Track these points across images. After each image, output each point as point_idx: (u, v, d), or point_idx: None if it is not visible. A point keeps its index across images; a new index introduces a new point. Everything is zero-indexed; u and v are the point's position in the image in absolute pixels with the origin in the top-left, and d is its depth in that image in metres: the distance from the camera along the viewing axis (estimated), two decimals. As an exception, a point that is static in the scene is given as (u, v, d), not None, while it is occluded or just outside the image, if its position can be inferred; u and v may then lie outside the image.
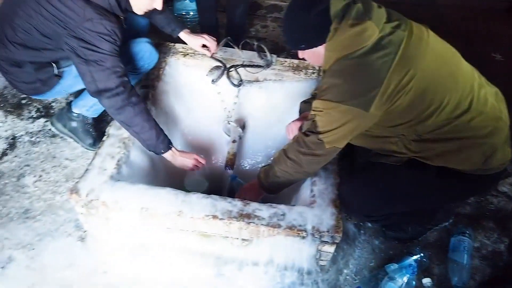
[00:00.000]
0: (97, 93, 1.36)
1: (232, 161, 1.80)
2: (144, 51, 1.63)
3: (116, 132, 1.55)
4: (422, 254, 1.54)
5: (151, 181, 1.59)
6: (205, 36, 1.77)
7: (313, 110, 1.26)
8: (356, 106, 1.16)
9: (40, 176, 1.78)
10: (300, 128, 1.38)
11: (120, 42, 1.36)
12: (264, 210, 1.35)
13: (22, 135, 1.94)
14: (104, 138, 1.54)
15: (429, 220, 1.62)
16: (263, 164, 2.00)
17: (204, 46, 1.80)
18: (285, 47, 2.73)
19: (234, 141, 1.85)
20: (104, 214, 1.37)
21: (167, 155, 1.53)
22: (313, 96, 1.63)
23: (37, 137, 1.94)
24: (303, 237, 1.31)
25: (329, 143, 1.25)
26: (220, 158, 2.01)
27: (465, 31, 2.91)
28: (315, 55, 1.29)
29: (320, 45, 1.24)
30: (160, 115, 1.76)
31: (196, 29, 2.39)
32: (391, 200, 1.36)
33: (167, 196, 1.36)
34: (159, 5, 1.43)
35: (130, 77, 1.45)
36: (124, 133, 1.52)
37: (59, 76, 1.55)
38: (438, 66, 1.22)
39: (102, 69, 1.32)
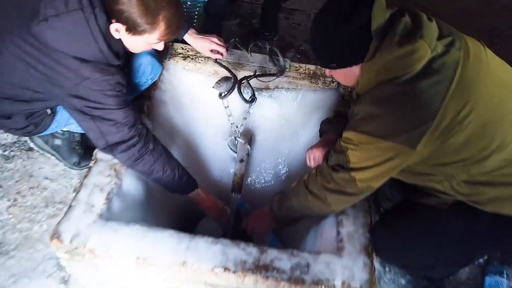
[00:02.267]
0: (109, 149, 1.19)
1: (240, 184, 1.60)
2: (146, 64, 1.42)
3: (105, 156, 1.32)
4: (456, 299, 1.38)
5: (148, 213, 1.40)
6: (214, 39, 1.53)
7: (344, 142, 1.07)
8: (400, 143, 0.98)
9: (15, 200, 1.56)
10: (326, 158, 1.18)
11: (126, 89, 1.18)
12: (284, 260, 1.15)
13: (-7, 149, 1.69)
14: (91, 164, 1.31)
15: (468, 262, 1.45)
16: (271, 182, 1.83)
17: (213, 50, 1.56)
18: (293, 43, 2.50)
19: (241, 160, 1.63)
20: (91, 261, 1.16)
21: (193, 196, 1.42)
22: (336, 115, 1.43)
23: (11, 151, 1.70)
24: (332, 293, 1.12)
25: (362, 182, 1.07)
26: (224, 176, 1.80)
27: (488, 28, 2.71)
28: (347, 76, 1.11)
29: (355, 64, 1.05)
30: (156, 128, 1.54)
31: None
32: (436, 249, 1.18)
33: (169, 241, 1.16)
34: (160, 48, 1.21)
35: (129, 94, 1.27)
36: (115, 157, 1.30)
37: (53, 114, 1.36)
38: (501, 95, 1.04)
39: (111, 124, 1.14)
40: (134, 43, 1.15)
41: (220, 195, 1.63)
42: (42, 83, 1.11)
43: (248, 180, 1.82)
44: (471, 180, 1.08)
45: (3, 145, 1.70)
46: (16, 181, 1.61)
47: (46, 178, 1.63)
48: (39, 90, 1.16)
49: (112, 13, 1.06)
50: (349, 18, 0.98)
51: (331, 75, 1.17)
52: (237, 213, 1.58)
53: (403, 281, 1.50)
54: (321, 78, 1.70)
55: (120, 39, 1.12)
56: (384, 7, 0.98)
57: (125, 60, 1.23)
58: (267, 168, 1.82)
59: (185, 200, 1.47)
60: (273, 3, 2.38)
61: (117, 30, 1.08)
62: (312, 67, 1.73)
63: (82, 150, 1.62)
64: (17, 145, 1.71)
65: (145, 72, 1.42)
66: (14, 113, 1.30)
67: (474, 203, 1.10)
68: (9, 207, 1.53)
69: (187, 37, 1.57)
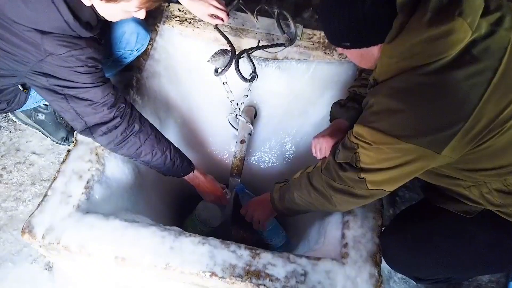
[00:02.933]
0: (88, 131, 1.05)
1: (239, 167, 1.46)
2: (130, 33, 1.24)
3: (86, 138, 1.19)
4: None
5: (138, 198, 1.30)
6: (213, 1, 1.31)
7: (355, 138, 0.89)
8: (423, 146, 0.80)
9: (0, 176, 1.46)
10: (334, 152, 1.01)
11: (101, 63, 1.02)
12: (279, 266, 1.03)
13: (-22, 120, 1.59)
14: (70, 147, 1.18)
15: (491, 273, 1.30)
16: (276, 163, 1.68)
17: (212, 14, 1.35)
18: (311, 1, 2.22)
19: (242, 141, 1.48)
20: (68, 257, 1.07)
21: (189, 180, 1.31)
22: (350, 97, 1.23)
23: (-2, 122, 1.59)
24: (330, 306, 1.00)
25: (374, 184, 0.91)
26: (225, 156, 1.66)
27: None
28: (364, 57, 0.92)
29: (374, 45, 0.86)
30: (147, 104, 1.39)
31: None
32: (457, 264, 1.02)
33: (151, 240, 1.05)
34: (141, 15, 1.01)
35: (111, 67, 1.14)
36: (97, 139, 1.17)
37: (26, 90, 1.22)
38: None
39: (87, 104, 1.00)
40: (110, 12, 0.98)
41: (220, 177, 1.49)
42: (2, 60, 0.97)
43: (251, 160, 1.67)
44: (506, 190, 0.90)
45: (-10, 115, 1.59)
46: (2, 155, 1.51)
47: (34, 153, 1.53)
48: (4, 68, 1.01)
49: None
50: None
51: (340, 52, 0.99)
52: (236, 197, 1.45)
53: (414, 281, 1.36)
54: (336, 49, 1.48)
55: (91, 6, 0.94)
56: None
57: (102, 29, 1.06)
58: (272, 147, 1.66)
59: (181, 181, 1.35)
60: None
61: None
62: (327, 35, 1.51)
63: (69, 125, 1.49)
64: (3, 115, 1.59)
65: (129, 42, 1.25)
66: None
67: (505, 215, 0.93)
68: (-6, 184, 1.45)
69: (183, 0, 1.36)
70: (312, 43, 1.50)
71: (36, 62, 0.93)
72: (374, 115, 0.86)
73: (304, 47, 1.50)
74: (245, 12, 1.50)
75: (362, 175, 0.90)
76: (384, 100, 0.84)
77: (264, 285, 1.00)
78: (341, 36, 0.89)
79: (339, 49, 0.95)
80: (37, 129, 1.49)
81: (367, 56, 0.90)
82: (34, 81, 0.99)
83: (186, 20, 1.51)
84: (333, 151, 1.03)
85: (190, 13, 1.49)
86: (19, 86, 1.18)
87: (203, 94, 1.60)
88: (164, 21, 1.50)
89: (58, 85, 0.97)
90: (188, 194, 1.52)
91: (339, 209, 1.06)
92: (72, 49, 0.93)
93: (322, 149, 1.15)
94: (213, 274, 1.01)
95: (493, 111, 0.78)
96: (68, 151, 1.17)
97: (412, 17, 0.77)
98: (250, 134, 1.53)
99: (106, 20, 1.03)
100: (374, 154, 0.87)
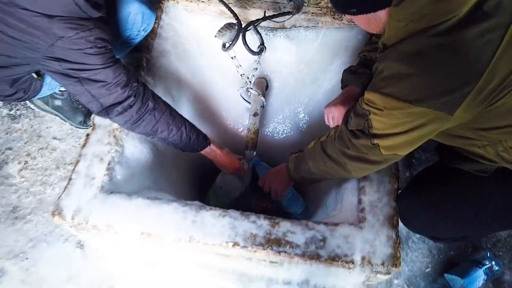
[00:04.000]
0: (104, 112, 1.07)
1: (254, 140, 1.48)
2: (135, 13, 1.24)
3: (103, 121, 1.22)
4: (493, 261, 1.27)
5: (158, 175, 1.34)
6: None
7: (366, 104, 0.89)
8: (435, 108, 0.80)
9: (26, 162, 1.53)
10: (346, 120, 1.01)
11: (110, 44, 1.02)
12: (298, 233, 1.06)
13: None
14: (88, 131, 1.22)
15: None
16: (291, 133, 1.69)
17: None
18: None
19: (255, 114, 1.48)
20: (97, 235, 1.13)
21: (206, 154, 1.33)
22: (361, 63, 1.21)
23: (17, 110, 1.63)
24: (350, 268, 1.04)
25: (387, 149, 0.91)
26: (239, 129, 1.67)
27: None
28: (371, 22, 0.91)
29: (381, 9, 0.84)
30: (159, 83, 1.40)
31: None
32: (474, 220, 1.03)
33: (174, 216, 1.09)
34: None
35: (120, 49, 1.15)
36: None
37: (40, 78, 1.23)
38: None
39: (101, 85, 1.01)
40: None
41: (236, 150, 1.52)
42: (14, 48, 0.98)
43: (265, 132, 1.69)
44: None
45: (10, 105, 1.63)
46: (25, 142, 1.57)
47: (55, 138, 1.58)
48: (12, 55, 1.03)
49: None
50: None
51: (348, 19, 0.97)
52: (254, 168, 1.48)
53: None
54: (345, 12, 1.44)
55: None
56: None
57: (107, 11, 1.06)
58: (285, 118, 1.67)
59: (199, 155, 1.38)
60: None
61: None
62: (335, -2, 1.46)
63: (86, 108, 1.52)
64: (22, 103, 1.64)
65: (136, 22, 1.24)
66: None
67: None
68: (21, 170, 1.51)
69: None
70: (319, 8, 1.46)
71: (47, 48, 0.95)
72: (384, 81, 0.85)
73: (312, 13, 1.46)
74: (249, -18, 1.47)
75: (375, 141, 0.90)
76: (394, 65, 0.83)
77: (285, 252, 1.04)
78: (347, 2, 0.87)
79: (347, 16, 0.93)
80: (56, 115, 1.52)
81: (375, 21, 0.88)
82: (47, 67, 1.01)
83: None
84: (345, 119, 1.03)
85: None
86: (33, 73, 1.20)
87: (214, 69, 1.60)
88: (169, -2, 1.48)
89: (71, 69, 0.99)
90: (207, 168, 1.55)
91: (354, 175, 1.07)
92: (80, 31, 0.94)
93: (334, 117, 1.15)
94: (235, 244, 1.05)
95: (506, 68, 0.76)
96: (87, 135, 1.21)
97: None
98: (262, 107, 1.54)
99: (111, 1, 1.03)
100: (386, 120, 0.87)
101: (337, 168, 1.05)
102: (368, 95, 0.89)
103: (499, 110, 0.82)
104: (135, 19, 1.24)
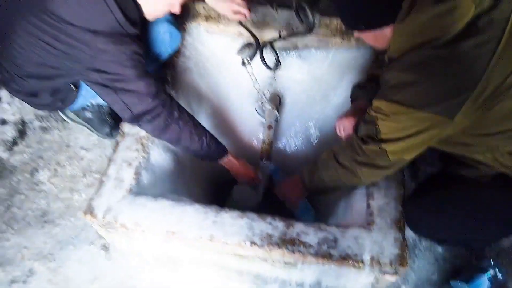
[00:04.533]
0: (135, 119, 1.19)
1: (269, 151, 1.57)
2: (164, 32, 1.37)
3: (131, 130, 1.33)
4: (497, 269, 1.32)
5: (178, 182, 1.44)
6: None
7: (374, 112, 0.99)
8: (437, 113, 0.90)
9: (55, 170, 1.64)
10: (356, 129, 1.11)
11: (144, 58, 1.15)
12: (311, 235, 1.14)
13: (31, 120, 1.76)
14: (118, 138, 1.33)
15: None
16: (302, 146, 1.79)
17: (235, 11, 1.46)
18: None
19: (269, 127, 1.59)
20: (125, 234, 1.22)
21: (223, 163, 1.42)
22: (369, 78, 1.32)
23: (48, 122, 1.76)
24: (359, 268, 1.11)
25: (394, 154, 1.00)
26: (254, 142, 1.78)
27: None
28: (378, 38, 1.02)
29: (386, 25, 0.96)
30: (181, 96, 1.52)
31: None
32: (475, 224, 1.11)
33: (196, 216, 1.18)
34: (177, 10, 1.18)
35: (150, 65, 1.26)
36: (141, 131, 1.31)
37: (76, 89, 1.37)
38: None
39: (133, 95, 1.13)
40: (153, 6, 1.13)
41: (251, 162, 1.62)
42: (60, 60, 1.11)
43: (279, 145, 1.79)
44: None
45: (41, 116, 1.76)
46: (55, 152, 1.68)
47: (82, 148, 1.69)
48: (58, 66, 1.16)
49: None
50: None
51: (356, 36, 1.08)
52: (269, 179, 1.57)
53: (439, 249, 1.45)
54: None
55: (136, 6, 1.08)
56: None
57: (141, 30, 1.19)
58: (297, 131, 1.77)
59: (216, 166, 1.48)
60: None
61: None
62: (344, 22, 1.59)
63: (113, 121, 1.64)
64: (53, 116, 1.76)
65: (164, 40, 1.38)
66: (39, 90, 1.32)
67: None
68: (51, 177, 1.62)
69: None
70: (329, 30, 1.58)
71: (89, 59, 1.07)
72: (390, 89, 0.96)
73: (323, 35, 1.59)
74: (265, 6, 1.60)
75: (383, 145, 1.00)
76: (398, 75, 0.94)
77: (299, 251, 1.11)
78: (356, 19, 0.98)
79: (355, 33, 1.05)
80: (85, 125, 1.64)
81: (381, 36, 0.99)
82: (87, 77, 1.13)
83: (211, 17, 1.63)
84: (355, 128, 1.13)
85: (214, 10, 1.61)
86: (71, 85, 1.33)
87: (231, 85, 1.72)
88: (191, 19, 1.62)
89: (108, 79, 1.11)
90: (223, 181, 1.65)
91: (364, 182, 1.16)
92: (120, 45, 1.07)
93: (345, 128, 1.25)
94: (253, 243, 1.13)
95: (499, 76, 0.85)
96: (117, 142, 1.32)
97: None
98: (276, 121, 1.64)
99: (143, 21, 1.16)
100: (392, 124, 0.96)
101: (348, 175, 1.13)
102: (376, 103, 0.99)
103: (495, 116, 0.91)
104: (164, 38, 1.37)
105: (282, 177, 1.53)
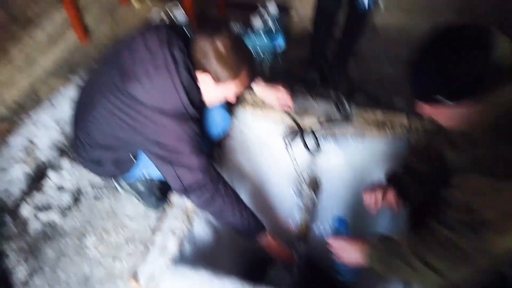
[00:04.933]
0: (184, 191, 1.31)
1: (305, 233, 1.62)
2: (217, 116, 1.54)
3: (179, 201, 1.45)
4: None
5: (216, 256, 1.48)
6: (280, 88, 1.62)
7: (467, 191, 0.89)
8: None
9: (101, 236, 1.74)
10: (436, 216, 0.97)
11: (200, 137, 1.31)
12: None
13: (86, 189, 1.93)
14: (166, 207, 1.44)
15: None
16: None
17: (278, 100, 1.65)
18: (361, 87, 2.50)
19: (307, 209, 1.66)
20: (164, 302, 1.26)
21: (260, 240, 1.47)
22: (405, 172, 1.36)
23: (102, 192, 1.92)
24: None
25: (502, 248, 0.86)
26: (291, 223, 1.83)
27: None
28: (453, 114, 0.91)
29: (467, 98, 0.85)
30: (225, 174, 1.63)
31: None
32: None
33: (233, 289, 1.21)
34: (233, 100, 1.38)
35: (202, 143, 1.38)
36: (188, 203, 1.41)
37: (135, 160, 1.53)
38: None
39: (186, 169, 1.27)
40: (213, 94, 1.30)
41: (286, 243, 1.66)
42: (129, 133, 1.28)
43: (315, 227, 1.82)
44: None
45: (95, 186, 1.93)
46: (103, 219, 1.80)
47: (128, 217, 1.81)
48: (125, 139, 1.33)
49: (199, 67, 1.23)
50: (462, 43, 0.83)
51: (426, 112, 0.96)
52: (303, 260, 1.58)
53: None
54: (389, 126, 1.68)
55: (199, 92, 1.27)
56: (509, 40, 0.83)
57: (200, 112, 1.37)
58: (334, 215, 1.80)
59: (253, 243, 1.53)
60: (342, 46, 2.43)
61: (203, 80, 1.25)
62: (380, 114, 1.72)
63: (160, 194, 1.77)
64: (106, 186, 1.93)
65: (217, 123, 1.55)
66: (103, 159, 1.49)
67: None
68: (96, 243, 1.72)
69: (254, 86, 1.68)
70: (366, 121, 1.71)
71: (153, 134, 1.24)
72: (484, 163, 0.86)
73: (359, 124, 1.71)
74: (306, 97, 1.78)
75: (486, 236, 0.84)
76: (492, 147, 0.86)
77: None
78: (435, 87, 0.87)
79: (423, 107, 0.95)
80: (134, 195, 1.78)
81: (456, 112, 0.89)
82: (148, 149, 1.28)
83: (256, 104, 1.82)
84: (435, 215, 0.97)
85: (260, 98, 1.80)
86: (132, 156, 1.50)
87: (272, 167, 1.84)
88: (238, 105, 1.82)
89: (166, 152, 1.26)
90: (259, 256, 1.68)
91: (449, 281, 0.98)
92: (182, 124, 1.23)
93: (378, 200, 1.28)
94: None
95: None
96: (165, 211, 1.43)
97: None
98: (313, 203, 1.71)
99: (202, 105, 1.35)
100: (501, 205, 0.81)
101: (429, 273, 0.96)
102: (471, 182, 0.87)
103: None
104: (217, 121, 1.55)
105: (346, 230, 1.48)
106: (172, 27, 1.33)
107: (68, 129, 2.12)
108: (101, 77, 1.35)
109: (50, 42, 2.63)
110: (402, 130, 1.66)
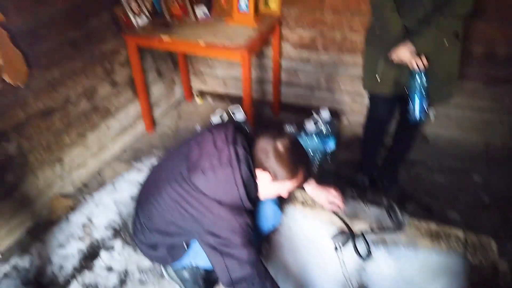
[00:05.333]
0: (230, 284, 1.35)
1: None
2: (267, 209, 1.61)
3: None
4: None
5: None
6: (332, 191, 1.68)
7: None
8: None
9: (142, 324, 1.73)
10: None
11: (252, 230, 1.38)
12: None
13: (133, 272, 1.98)
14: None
15: None
16: None
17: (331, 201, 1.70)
18: (413, 196, 2.48)
19: (354, 319, 1.57)
20: None
21: None
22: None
23: (147, 276, 1.95)
24: None
25: None
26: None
27: None
28: None
29: None
30: (270, 269, 1.61)
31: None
32: None
33: None
34: (285, 196, 1.45)
35: (254, 238, 1.44)
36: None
37: (187, 248, 1.60)
38: None
39: (236, 261, 1.32)
40: (268, 190, 1.38)
41: None
42: (187, 221, 1.36)
43: None
44: None
45: (142, 270, 1.98)
46: (147, 304, 1.81)
47: (169, 306, 1.80)
48: (184, 226, 1.41)
49: (259, 165, 1.33)
50: None
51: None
52: None
53: None
54: (444, 238, 1.65)
55: (255, 187, 1.36)
56: None
57: (254, 206, 1.44)
58: (383, 331, 1.69)
59: None
60: (393, 154, 2.49)
61: (261, 177, 1.34)
62: (434, 225, 1.70)
63: (204, 285, 1.78)
64: (152, 271, 1.97)
65: (268, 218, 1.61)
66: (159, 244, 1.56)
67: None
68: (135, 331, 1.70)
69: (306, 186, 1.74)
70: (419, 231, 1.69)
71: (209, 224, 1.31)
72: None
73: (412, 234, 1.69)
74: (357, 201, 1.82)
75: None
76: None
77: None
78: None
79: None
80: (178, 284, 1.80)
81: None
82: (202, 238, 1.34)
83: (306, 203, 1.87)
84: None
85: (311, 198, 1.86)
86: (185, 243, 1.55)
87: (318, 267, 1.80)
88: (288, 202, 1.88)
89: (218, 243, 1.31)
90: None
91: None
92: (238, 217, 1.30)
93: None
94: None
95: None
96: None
97: None
98: (361, 313, 1.63)
99: (257, 199, 1.42)
100: None
101: None
102: None
103: None
104: (268, 216, 1.61)
105: None
106: (237, 126, 1.49)
107: (124, 211, 2.27)
108: (169, 165, 1.50)
109: (122, 130, 2.96)
110: (458, 244, 1.61)
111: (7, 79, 1.94)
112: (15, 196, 2.19)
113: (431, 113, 2.20)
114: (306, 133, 2.71)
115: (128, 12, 2.68)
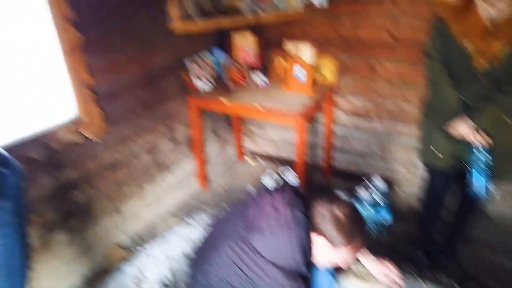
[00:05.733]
0: None
1: None
2: (322, 278, 1.60)
3: None
4: None
5: None
6: (388, 264, 1.63)
7: None
8: None
9: None
10: None
11: None
12: None
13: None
14: None
15: None
16: None
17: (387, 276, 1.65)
18: (475, 276, 2.32)
19: None
20: None
21: None
22: None
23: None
24: None
25: None
26: None
27: None
28: None
29: None
30: None
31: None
32: None
33: None
34: (345, 267, 1.47)
35: None
36: None
37: None
38: None
39: None
40: (325, 256, 1.38)
41: None
42: (242, 281, 1.38)
43: None
44: None
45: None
46: None
47: None
48: (237, 286, 1.42)
49: (315, 229, 1.34)
50: None
51: None
52: None
53: None
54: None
55: (311, 253, 1.35)
56: None
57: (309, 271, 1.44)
58: None
59: None
60: (453, 230, 2.39)
61: (317, 242, 1.34)
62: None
63: None
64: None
65: (323, 286, 1.58)
66: None
67: None
68: None
69: (361, 257, 1.70)
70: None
71: (264, 286, 1.31)
72: None
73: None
74: (414, 278, 1.74)
75: None
76: None
77: None
78: None
79: None
80: None
81: None
82: None
83: (361, 275, 1.82)
84: None
85: (364, 270, 1.81)
86: None
87: None
88: (342, 273, 1.83)
89: None
90: None
91: None
92: (293, 282, 1.30)
93: None
94: None
95: None
96: None
97: None
98: None
99: (312, 266, 1.42)
100: None
101: None
102: None
103: None
104: (323, 285, 1.58)
105: None
106: (295, 189, 1.53)
107: (175, 266, 2.31)
108: (228, 225, 1.55)
109: (177, 185, 3.10)
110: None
111: (88, 135, 2.17)
112: (77, 242, 2.32)
113: (495, 191, 2.11)
114: (359, 201, 2.69)
115: (191, 76, 2.94)
